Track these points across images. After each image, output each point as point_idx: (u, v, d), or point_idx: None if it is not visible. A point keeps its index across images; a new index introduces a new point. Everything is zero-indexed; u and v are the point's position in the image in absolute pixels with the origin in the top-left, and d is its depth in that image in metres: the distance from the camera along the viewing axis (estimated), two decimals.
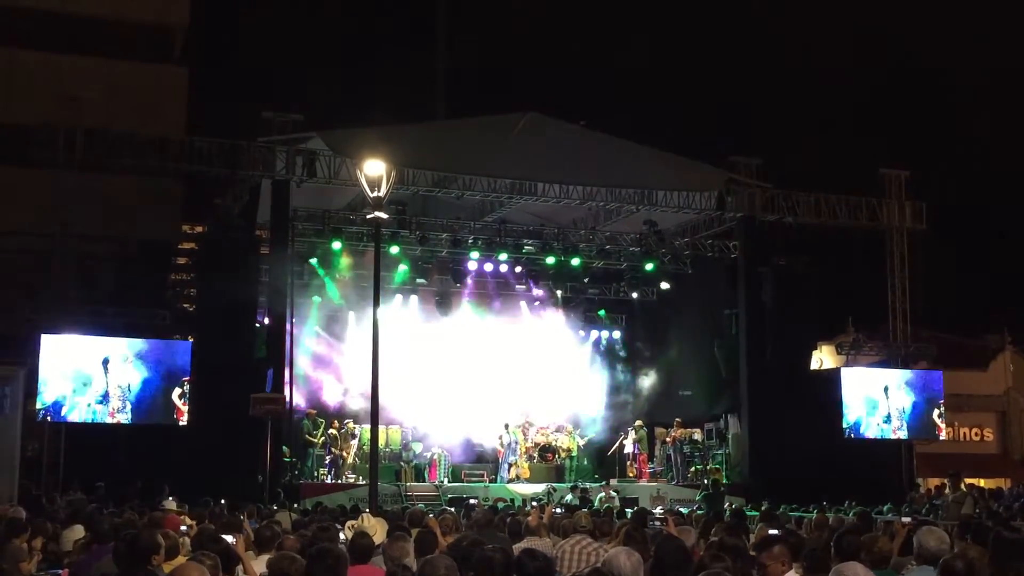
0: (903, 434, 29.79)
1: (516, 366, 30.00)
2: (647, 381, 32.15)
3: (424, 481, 27.33)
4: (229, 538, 8.81)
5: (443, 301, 31.03)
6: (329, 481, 26.16)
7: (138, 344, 24.26)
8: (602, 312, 34.09)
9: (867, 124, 47.43)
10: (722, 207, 28.98)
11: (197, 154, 25.19)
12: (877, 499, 23.45)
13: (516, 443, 28.64)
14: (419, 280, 30.60)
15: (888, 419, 29.47)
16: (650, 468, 29.72)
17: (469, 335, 30.31)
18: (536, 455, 29.23)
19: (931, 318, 32.98)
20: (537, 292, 31.97)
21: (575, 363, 31.90)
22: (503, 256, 29.73)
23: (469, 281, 31.16)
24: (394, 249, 28.08)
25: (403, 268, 29.87)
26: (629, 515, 14.40)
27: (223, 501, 18.00)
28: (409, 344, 28.99)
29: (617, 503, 23.30)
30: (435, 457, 27.88)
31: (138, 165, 25.68)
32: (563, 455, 29.59)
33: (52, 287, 25.38)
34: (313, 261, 28.59)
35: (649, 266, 30.58)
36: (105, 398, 23.63)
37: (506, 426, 28.87)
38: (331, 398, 28.88)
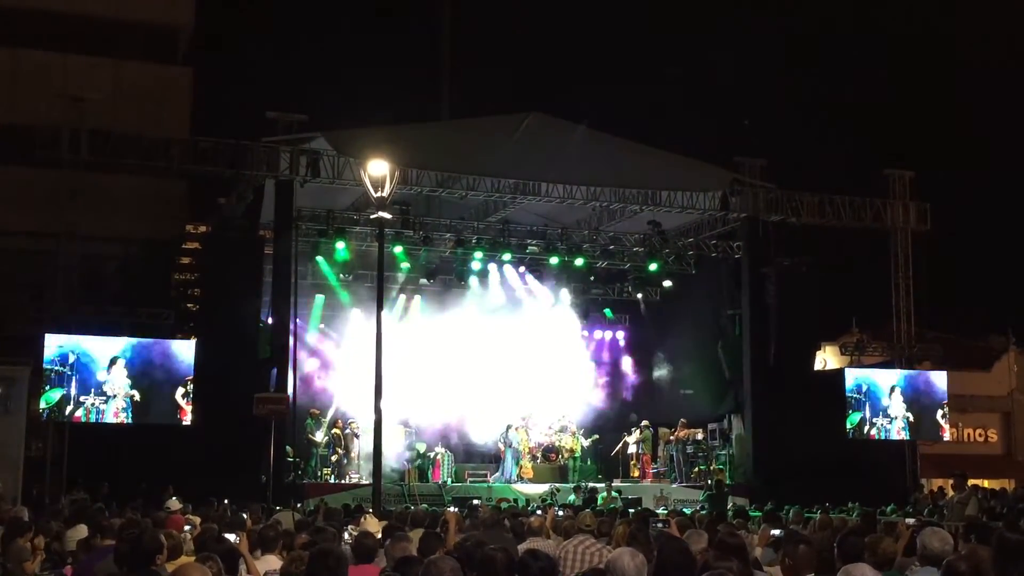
0: (907, 435, 29.74)
1: (520, 366, 29.96)
2: (650, 381, 32.09)
3: (428, 481, 27.35)
4: (232, 536, 8.82)
5: (446, 301, 31.04)
6: (333, 481, 26.19)
7: (142, 344, 24.28)
8: (606, 312, 34.13)
9: (871, 125, 47.33)
10: (726, 208, 28.96)
11: (201, 154, 25.22)
12: (881, 500, 23.43)
13: (519, 443, 28.64)
14: (423, 280, 30.64)
15: (892, 420, 29.41)
16: (653, 468, 29.75)
17: (472, 335, 30.28)
18: (539, 455, 29.24)
19: (935, 319, 32.94)
20: (541, 292, 31.94)
21: (578, 363, 31.88)
22: (507, 256, 29.76)
23: (473, 281, 31.19)
24: (398, 249, 28.11)
25: (407, 268, 29.90)
26: (631, 515, 14.35)
27: (227, 501, 18.03)
28: (413, 344, 28.99)
29: (619, 503, 23.29)
30: (438, 457, 27.90)
31: (142, 165, 25.64)
32: (566, 455, 29.58)
33: (56, 287, 25.39)
34: (317, 261, 28.66)
35: (653, 266, 30.59)
36: (109, 398, 23.64)
37: (509, 426, 28.86)
38: (335, 398, 28.88)
